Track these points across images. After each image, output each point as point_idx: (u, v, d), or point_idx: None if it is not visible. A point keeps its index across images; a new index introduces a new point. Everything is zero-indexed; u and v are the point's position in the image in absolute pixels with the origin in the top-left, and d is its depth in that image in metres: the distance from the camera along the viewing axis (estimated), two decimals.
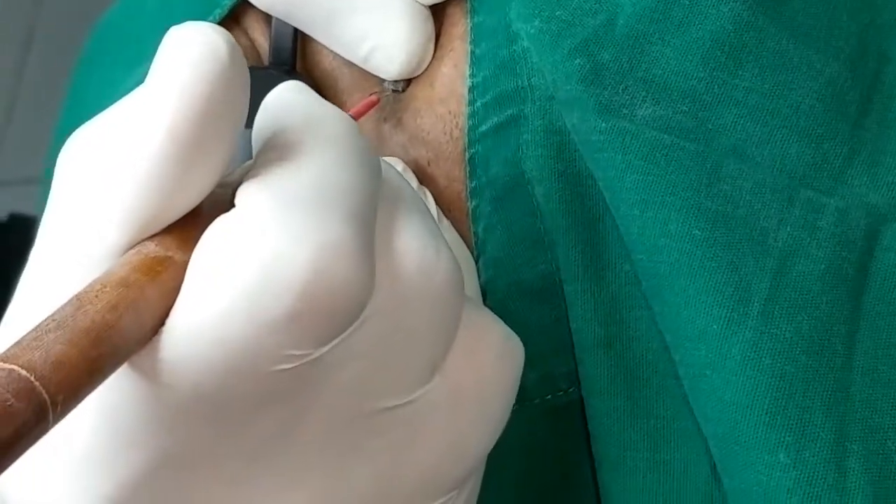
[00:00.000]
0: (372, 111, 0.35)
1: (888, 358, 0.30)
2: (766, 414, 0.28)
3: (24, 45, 1.41)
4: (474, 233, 0.32)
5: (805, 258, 0.30)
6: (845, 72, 0.32)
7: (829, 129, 0.31)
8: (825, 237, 0.30)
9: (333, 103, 0.35)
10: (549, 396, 0.33)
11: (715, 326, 0.29)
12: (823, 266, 0.30)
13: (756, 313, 0.29)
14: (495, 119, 0.32)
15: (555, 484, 0.35)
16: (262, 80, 0.35)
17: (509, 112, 0.32)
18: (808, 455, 0.28)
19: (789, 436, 0.28)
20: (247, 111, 0.23)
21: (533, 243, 0.32)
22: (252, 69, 0.35)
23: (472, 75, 0.33)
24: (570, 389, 0.33)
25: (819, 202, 0.30)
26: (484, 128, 0.32)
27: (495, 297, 0.32)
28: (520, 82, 0.32)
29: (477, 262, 0.32)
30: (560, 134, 0.31)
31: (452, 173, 0.33)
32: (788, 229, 0.30)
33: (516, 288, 0.32)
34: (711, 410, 0.29)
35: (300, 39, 0.36)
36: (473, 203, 0.32)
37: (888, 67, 0.32)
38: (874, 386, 0.29)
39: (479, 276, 0.32)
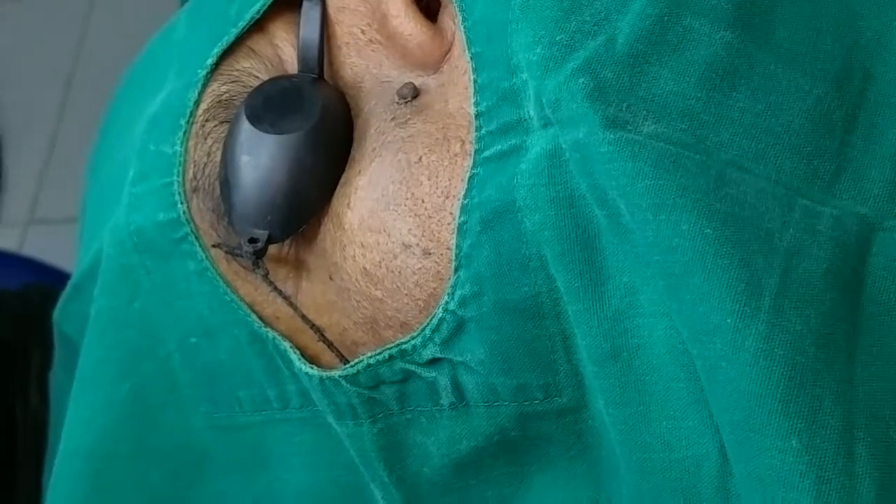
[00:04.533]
0: (382, 109, 0.37)
1: (882, 355, 0.31)
2: (780, 402, 0.30)
3: (65, 87, 1.44)
4: (457, 246, 0.34)
5: (808, 257, 0.31)
6: (832, 91, 0.34)
7: (818, 147, 0.33)
8: (824, 240, 0.32)
9: (357, 107, 0.37)
10: (526, 402, 0.35)
11: (729, 320, 0.30)
12: (825, 265, 0.31)
13: (767, 307, 0.30)
14: (499, 147, 0.34)
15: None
16: (292, 86, 0.37)
17: (512, 142, 0.33)
18: (818, 441, 0.30)
19: (801, 422, 0.30)
20: None
21: (519, 266, 0.33)
22: (281, 77, 0.38)
23: (477, 103, 0.34)
24: (545, 400, 0.35)
25: (815, 210, 0.32)
26: (488, 153, 0.34)
27: (481, 311, 0.34)
28: (522, 114, 0.33)
29: (455, 273, 0.34)
30: (550, 158, 0.32)
31: (443, 183, 0.35)
32: (791, 231, 0.32)
33: (502, 304, 0.34)
34: (727, 400, 0.31)
35: (326, 47, 0.38)
36: (462, 218, 0.34)
37: (872, 86, 0.34)
38: (872, 380, 0.31)
39: (459, 288, 0.34)
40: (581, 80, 0.32)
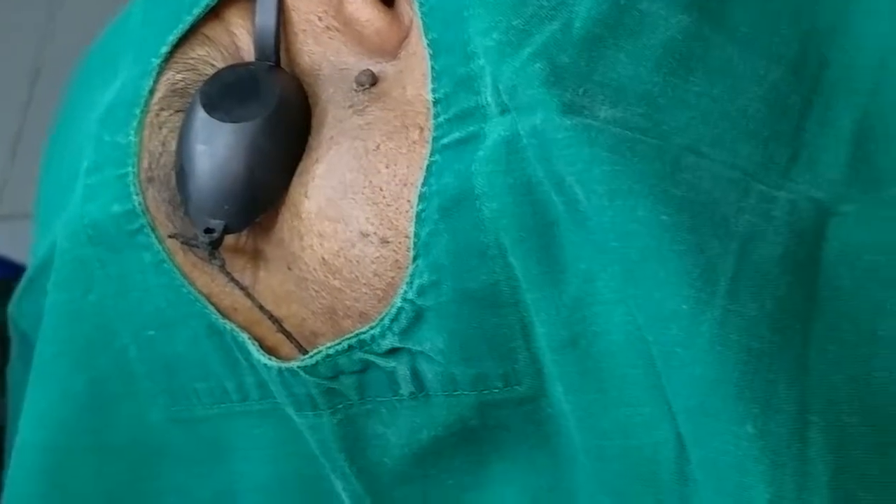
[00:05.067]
0: (341, 97, 0.36)
1: (836, 340, 0.31)
2: (735, 387, 0.30)
3: (31, 83, 1.43)
4: (416, 234, 0.34)
5: (764, 242, 0.31)
6: (788, 76, 0.34)
7: (774, 132, 0.33)
8: (780, 225, 0.32)
9: (315, 94, 0.37)
10: (485, 391, 0.35)
11: (685, 306, 0.30)
12: (781, 250, 0.32)
13: (723, 292, 0.30)
14: (457, 134, 0.33)
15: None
16: (248, 74, 0.37)
17: (470, 129, 0.33)
18: (773, 426, 0.30)
19: (756, 407, 0.30)
20: None
21: (477, 254, 0.33)
22: (237, 65, 0.37)
23: (434, 90, 0.34)
24: (505, 388, 0.35)
25: (770, 195, 0.32)
26: (446, 140, 0.34)
27: (439, 300, 0.34)
28: (479, 100, 0.33)
29: (413, 261, 0.34)
30: (508, 145, 0.32)
31: (401, 170, 0.34)
32: (747, 216, 0.32)
33: (460, 293, 0.33)
34: (683, 386, 0.31)
35: (283, 34, 0.38)
36: (420, 206, 0.33)
37: (828, 70, 0.34)
38: (826, 364, 0.31)
39: (417, 277, 0.34)
40: (537, 65, 0.32)
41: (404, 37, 0.36)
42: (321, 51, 0.38)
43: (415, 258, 0.34)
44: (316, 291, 0.36)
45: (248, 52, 0.39)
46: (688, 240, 0.30)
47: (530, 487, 0.37)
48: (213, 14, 0.39)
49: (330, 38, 0.38)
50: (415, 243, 0.34)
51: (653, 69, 0.32)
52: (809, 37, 0.34)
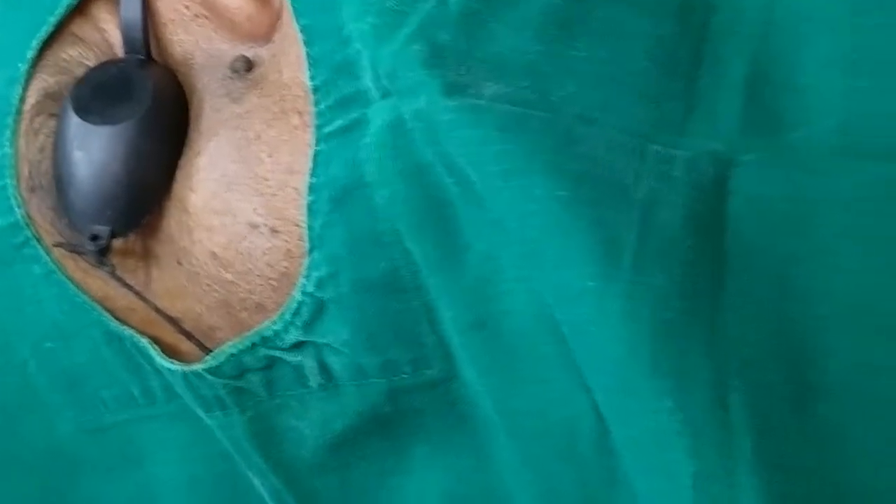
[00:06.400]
0: (216, 85, 0.35)
1: (751, 296, 0.31)
2: (649, 363, 0.29)
3: None
4: (309, 226, 0.33)
5: (665, 207, 0.31)
6: (674, 28, 0.33)
7: (666, 89, 0.32)
8: (680, 185, 0.31)
9: (190, 85, 0.35)
10: (395, 377, 0.35)
11: (591, 284, 0.30)
12: (683, 212, 0.31)
13: (628, 266, 0.30)
14: (340, 122, 0.32)
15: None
16: (119, 72, 0.35)
17: (353, 116, 0.32)
18: (691, 397, 0.29)
19: (672, 381, 0.29)
20: None
21: (373, 243, 0.32)
22: (106, 63, 0.36)
23: (312, 77, 0.33)
24: (414, 373, 0.34)
25: (668, 155, 0.32)
26: (329, 129, 0.32)
27: (339, 291, 0.33)
28: (360, 85, 0.32)
29: (309, 254, 0.33)
30: (393, 129, 0.31)
31: (284, 158, 0.34)
32: (645, 181, 0.31)
33: (360, 283, 0.33)
34: (598, 365, 0.30)
35: (151, 26, 0.36)
36: (311, 198, 0.33)
37: (714, 15, 0.33)
38: (741, 323, 0.31)
39: (315, 270, 0.33)
40: (416, 46, 0.31)
41: (276, 19, 0.35)
42: (192, 39, 0.36)
43: (311, 251, 0.33)
44: (208, 286, 0.35)
45: (121, 48, 0.37)
46: (588, 214, 0.30)
47: (453, 468, 0.36)
48: (78, 12, 0.37)
49: (199, 25, 0.36)
50: (309, 236, 0.33)
51: (534, 38, 0.31)
52: None
